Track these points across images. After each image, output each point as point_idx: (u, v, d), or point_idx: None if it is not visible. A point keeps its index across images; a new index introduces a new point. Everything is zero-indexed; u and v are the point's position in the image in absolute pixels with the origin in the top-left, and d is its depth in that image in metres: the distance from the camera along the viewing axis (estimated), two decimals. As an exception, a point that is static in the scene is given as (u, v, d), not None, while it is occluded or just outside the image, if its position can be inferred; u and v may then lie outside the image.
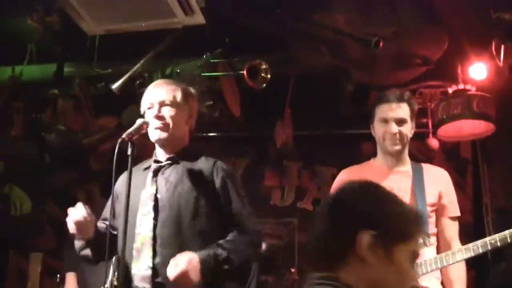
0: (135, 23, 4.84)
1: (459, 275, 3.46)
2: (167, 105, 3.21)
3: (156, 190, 3.16)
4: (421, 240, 3.32)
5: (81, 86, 5.71)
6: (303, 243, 6.83)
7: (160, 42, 5.33)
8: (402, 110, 3.59)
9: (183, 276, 2.84)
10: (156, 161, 3.28)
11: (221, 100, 5.85)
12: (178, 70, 5.63)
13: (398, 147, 3.60)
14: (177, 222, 3.08)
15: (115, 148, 3.03)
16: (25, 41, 5.62)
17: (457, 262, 3.20)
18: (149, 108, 3.25)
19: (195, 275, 2.87)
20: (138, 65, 5.29)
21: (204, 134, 6.99)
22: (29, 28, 5.33)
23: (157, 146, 3.32)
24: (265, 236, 3.26)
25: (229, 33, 5.52)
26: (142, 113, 3.31)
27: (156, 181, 3.19)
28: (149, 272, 2.99)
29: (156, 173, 3.22)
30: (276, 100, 6.21)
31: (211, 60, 5.57)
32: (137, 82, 5.58)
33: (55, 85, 5.70)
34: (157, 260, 3.03)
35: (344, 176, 3.77)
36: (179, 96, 3.26)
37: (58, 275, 5.19)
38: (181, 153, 3.28)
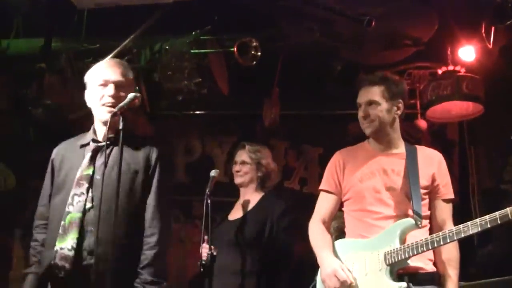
0: (126, -3, 4.79)
1: (451, 257, 3.47)
2: (121, 86, 3.24)
3: (93, 172, 3.14)
4: (413, 221, 3.36)
5: (69, 61, 5.64)
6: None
7: (149, 17, 5.28)
8: (371, 93, 3.60)
9: None
10: (95, 141, 3.25)
11: (209, 77, 5.82)
12: (167, 47, 5.59)
13: (368, 130, 3.62)
14: (110, 203, 3.00)
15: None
16: (12, 15, 5.53)
17: (448, 243, 3.21)
18: (101, 85, 3.25)
19: None
20: (128, 40, 5.25)
21: (192, 112, 6.96)
22: (16, 1, 5.24)
23: (98, 124, 3.30)
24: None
25: (218, 10, 5.47)
26: (88, 87, 3.32)
27: (94, 163, 3.17)
28: (71, 253, 2.98)
29: (95, 154, 3.20)
30: (264, 78, 6.18)
31: (200, 37, 5.54)
32: (126, 58, 5.53)
33: (42, 59, 5.62)
34: (86, 242, 3.03)
35: (339, 157, 3.77)
36: (131, 79, 3.33)
37: None
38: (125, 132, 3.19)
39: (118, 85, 3.23)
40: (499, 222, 3.00)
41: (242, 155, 4.78)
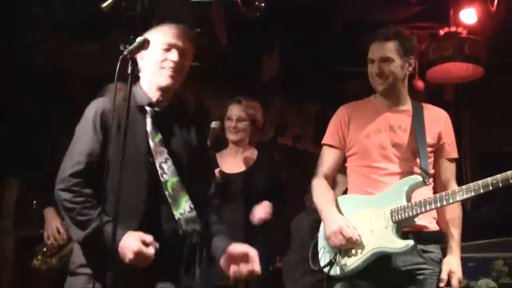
0: None
1: (454, 216, 3.49)
2: (185, 54, 3.12)
3: (162, 136, 3.07)
4: (421, 179, 3.35)
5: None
6: (284, 179, 6.83)
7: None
8: (386, 49, 3.52)
9: None
10: (151, 105, 3.12)
11: (208, 28, 5.73)
12: (166, -5, 5.48)
13: (381, 86, 3.55)
14: (183, 170, 3.04)
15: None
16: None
17: (457, 201, 3.21)
18: (165, 49, 3.10)
19: None
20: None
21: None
22: None
23: (151, 87, 3.15)
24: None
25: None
26: (148, 47, 3.00)
27: (158, 128, 3.07)
28: (194, 214, 2.98)
29: (155, 119, 3.08)
30: (264, 33, 6.11)
31: (200, -14, 5.43)
32: (123, 5, 5.42)
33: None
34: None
35: (344, 111, 3.72)
36: (193, 46, 3.21)
37: (34, 202, 4.74)
38: (174, 101, 3.20)
39: (184, 54, 3.11)
40: (511, 181, 2.99)
41: (239, 111, 4.67)
